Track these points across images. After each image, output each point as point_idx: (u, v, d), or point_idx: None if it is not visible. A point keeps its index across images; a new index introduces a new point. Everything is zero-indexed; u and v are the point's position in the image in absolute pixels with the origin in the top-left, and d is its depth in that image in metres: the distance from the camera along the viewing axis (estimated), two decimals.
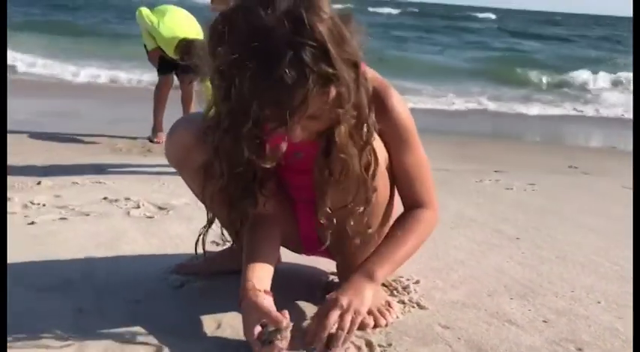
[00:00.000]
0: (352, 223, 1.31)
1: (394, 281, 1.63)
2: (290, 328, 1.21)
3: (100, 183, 2.83)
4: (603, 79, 10.73)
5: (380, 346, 1.29)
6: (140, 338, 1.28)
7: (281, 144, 1.22)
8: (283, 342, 1.19)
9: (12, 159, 3.41)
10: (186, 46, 4.12)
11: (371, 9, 32.07)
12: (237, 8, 1.09)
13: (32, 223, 2.10)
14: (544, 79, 10.67)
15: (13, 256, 1.75)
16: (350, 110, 1.17)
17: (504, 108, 7.79)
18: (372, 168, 1.27)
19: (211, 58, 1.11)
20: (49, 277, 1.60)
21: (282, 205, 1.46)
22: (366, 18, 23.76)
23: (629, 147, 5.08)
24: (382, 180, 1.35)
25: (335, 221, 1.32)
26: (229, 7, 1.11)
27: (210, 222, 1.42)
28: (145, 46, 4.58)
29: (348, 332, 1.23)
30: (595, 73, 11.09)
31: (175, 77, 4.66)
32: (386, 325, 1.37)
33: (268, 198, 1.35)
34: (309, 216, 1.43)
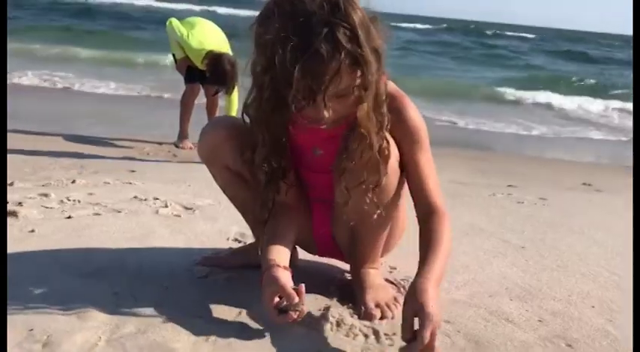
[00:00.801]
0: (367, 200, 1.42)
1: (402, 280, 1.75)
2: (304, 304, 1.34)
3: (129, 183, 2.99)
4: (624, 103, 10.67)
5: (386, 335, 1.41)
6: (168, 320, 1.41)
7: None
8: (297, 313, 1.33)
9: (49, 159, 3.62)
10: (213, 58, 4.31)
11: (398, 24, 31.59)
12: None
13: (69, 217, 2.26)
14: (566, 102, 10.67)
15: (56, 245, 1.92)
16: (371, 93, 1.31)
17: (524, 127, 7.85)
18: (384, 154, 1.39)
19: (259, 35, 1.28)
20: (87, 265, 1.76)
21: (299, 200, 1.60)
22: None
23: None
24: (393, 173, 1.45)
25: (350, 202, 1.43)
26: None
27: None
28: (173, 55, 4.78)
29: None
30: (616, 98, 11.06)
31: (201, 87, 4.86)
32: (392, 317, 1.49)
33: (289, 186, 1.50)
34: (323, 216, 1.57)
